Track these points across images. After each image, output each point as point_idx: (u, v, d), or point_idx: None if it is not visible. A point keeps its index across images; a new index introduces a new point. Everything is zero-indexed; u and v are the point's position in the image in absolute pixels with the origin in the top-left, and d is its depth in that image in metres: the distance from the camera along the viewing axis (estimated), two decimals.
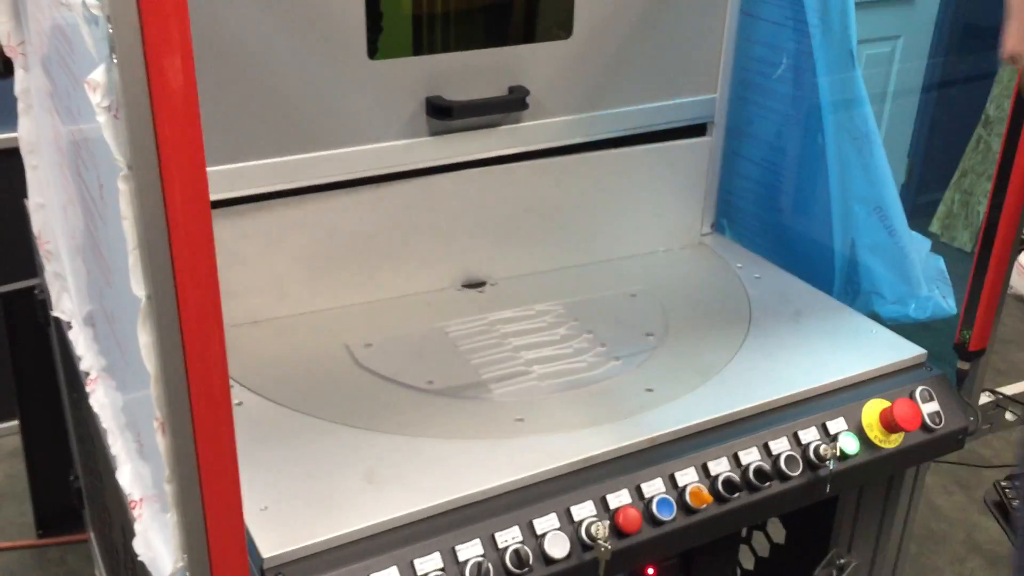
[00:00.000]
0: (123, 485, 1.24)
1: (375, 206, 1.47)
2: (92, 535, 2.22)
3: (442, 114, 1.44)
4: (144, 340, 0.85)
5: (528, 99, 1.50)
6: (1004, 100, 3.74)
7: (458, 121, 1.46)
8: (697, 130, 1.72)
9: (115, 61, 0.73)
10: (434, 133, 1.46)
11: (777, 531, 1.78)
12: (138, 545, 1.13)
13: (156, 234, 0.79)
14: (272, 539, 1.05)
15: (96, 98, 0.77)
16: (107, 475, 1.50)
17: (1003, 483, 1.44)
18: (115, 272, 1.09)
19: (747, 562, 1.82)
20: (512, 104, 1.49)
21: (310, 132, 1.38)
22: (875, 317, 1.56)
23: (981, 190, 3.87)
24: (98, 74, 0.76)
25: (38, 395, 2.21)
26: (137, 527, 1.17)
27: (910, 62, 3.25)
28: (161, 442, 0.90)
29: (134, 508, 1.20)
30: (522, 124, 1.52)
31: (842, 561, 1.65)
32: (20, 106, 1.54)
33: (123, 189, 0.79)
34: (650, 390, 1.33)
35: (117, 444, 1.30)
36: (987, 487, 2.90)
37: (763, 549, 1.83)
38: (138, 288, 0.83)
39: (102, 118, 0.78)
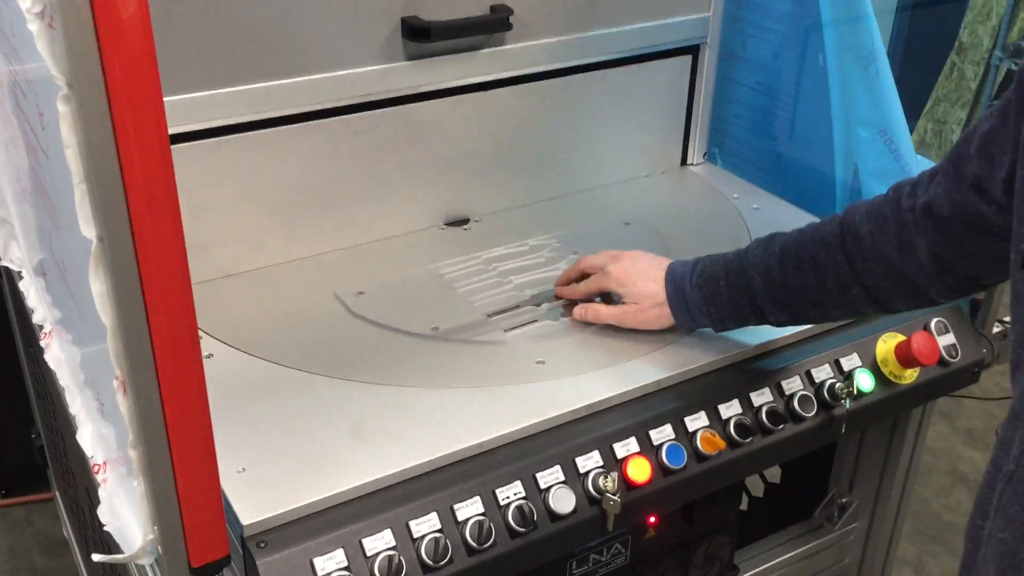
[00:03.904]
0: (84, 447, 1.14)
1: (350, 139, 1.36)
2: (57, 494, 2.12)
3: (420, 36, 1.31)
4: (98, 288, 0.74)
5: (512, 19, 1.38)
6: (977, 26, 3.65)
7: (437, 43, 1.34)
8: (688, 53, 1.61)
9: None
10: (411, 57, 1.34)
11: (771, 470, 1.72)
12: (103, 513, 1.04)
13: (105, 163, 0.68)
14: (252, 504, 0.95)
15: (26, 2, 0.65)
16: (68, 435, 1.40)
17: None
18: (63, 213, 0.97)
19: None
20: (495, 24, 1.37)
21: (276, 57, 1.26)
22: None
23: (954, 118, 3.80)
24: None
25: None
26: (101, 493, 1.07)
27: None
28: (122, 403, 0.80)
29: (97, 472, 1.10)
30: (505, 47, 1.41)
31: (844, 500, 1.59)
32: None
33: (63, 111, 0.68)
34: None
35: (76, 403, 1.20)
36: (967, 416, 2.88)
37: (756, 488, 1.77)
38: (87, 228, 0.73)
39: (34, 26, 0.66)
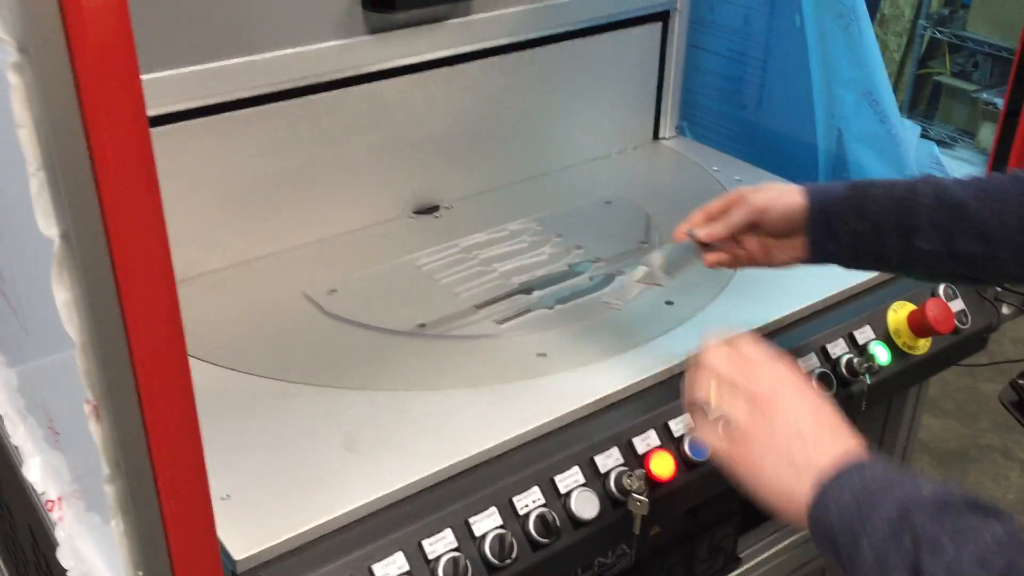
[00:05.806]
0: (33, 482, 1.00)
1: (309, 122, 1.24)
2: None
3: (382, 6, 1.20)
4: (63, 296, 0.62)
5: None
6: None
7: (401, 15, 1.23)
8: (658, 20, 1.53)
9: None
10: (373, 30, 1.23)
11: None
12: (64, 557, 0.91)
13: (70, 145, 0.56)
14: (243, 536, 0.83)
15: None
16: (4, 468, 1.25)
17: (1020, 381, 1.33)
18: (5, 214, 0.84)
19: None
20: None
21: (225, 34, 1.13)
22: None
23: None
24: None
25: None
26: (59, 534, 0.94)
27: None
28: (96, 430, 0.67)
29: (51, 510, 0.97)
30: (472, 17, 1.30)
31: None
32: None
33: (15, 83, 0.55)
34: (670, 303, 1.16)
35: (19, 433, 1.06)
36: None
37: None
38: (47, 226, 0.60)
39: None
